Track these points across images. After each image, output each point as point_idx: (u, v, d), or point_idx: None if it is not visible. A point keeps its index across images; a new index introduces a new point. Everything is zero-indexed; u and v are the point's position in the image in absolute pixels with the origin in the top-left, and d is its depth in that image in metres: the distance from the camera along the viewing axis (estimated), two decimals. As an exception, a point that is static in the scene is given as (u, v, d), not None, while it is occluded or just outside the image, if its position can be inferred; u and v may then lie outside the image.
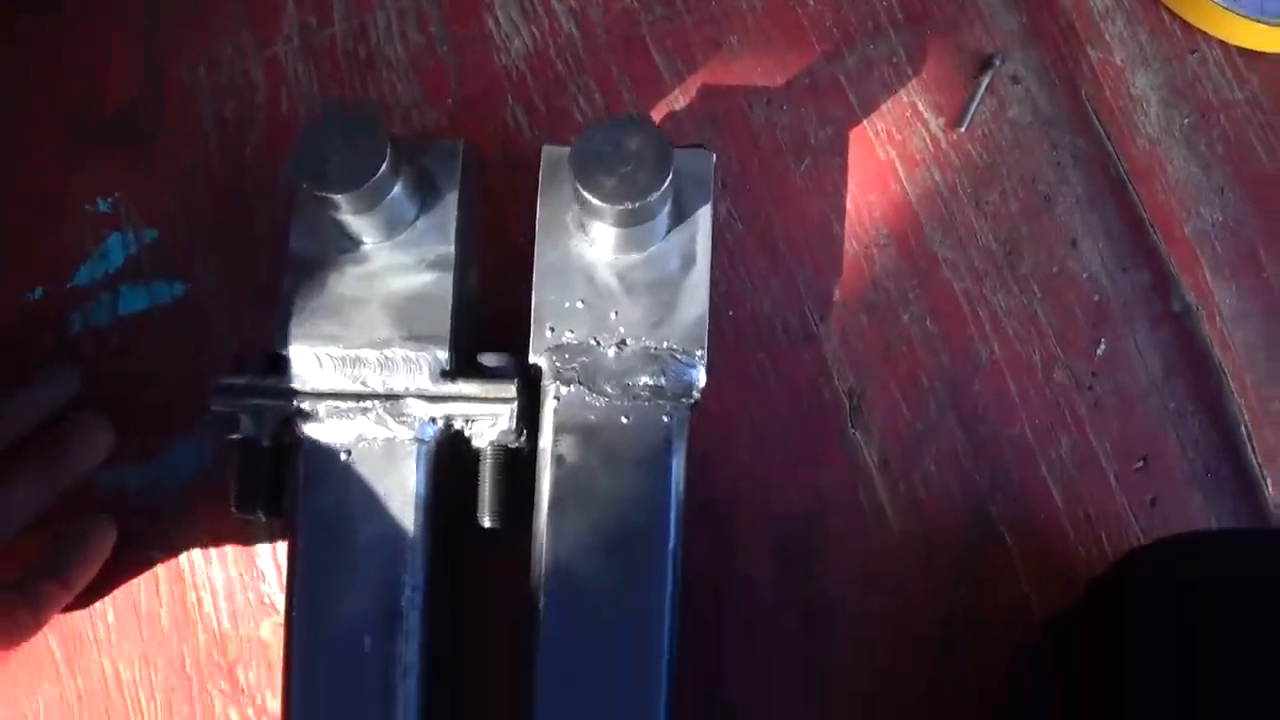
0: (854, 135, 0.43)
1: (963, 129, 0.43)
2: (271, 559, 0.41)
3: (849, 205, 0.43)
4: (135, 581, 0.41)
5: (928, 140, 0.43)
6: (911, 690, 0.39)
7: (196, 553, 0.41)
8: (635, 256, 0.37)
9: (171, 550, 0.41)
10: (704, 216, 0.38)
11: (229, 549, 0.41)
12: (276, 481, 0.38)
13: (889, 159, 0.43)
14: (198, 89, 0.44)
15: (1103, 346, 0.42)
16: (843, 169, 0.43)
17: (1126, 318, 0.42)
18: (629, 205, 0.34)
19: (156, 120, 0.43)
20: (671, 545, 0.36)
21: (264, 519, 0.38)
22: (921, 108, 0.43)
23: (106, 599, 0.41)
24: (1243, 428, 0.42)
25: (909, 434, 0.41)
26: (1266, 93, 0.45)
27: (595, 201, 0.34)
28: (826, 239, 0.42)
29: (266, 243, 0.42)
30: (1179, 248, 0.43)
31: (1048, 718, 0.34)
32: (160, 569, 0.41)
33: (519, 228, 0.40)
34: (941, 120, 0.43)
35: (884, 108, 0.43)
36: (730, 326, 0.42)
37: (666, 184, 0.34)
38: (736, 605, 0.40)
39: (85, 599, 0.41)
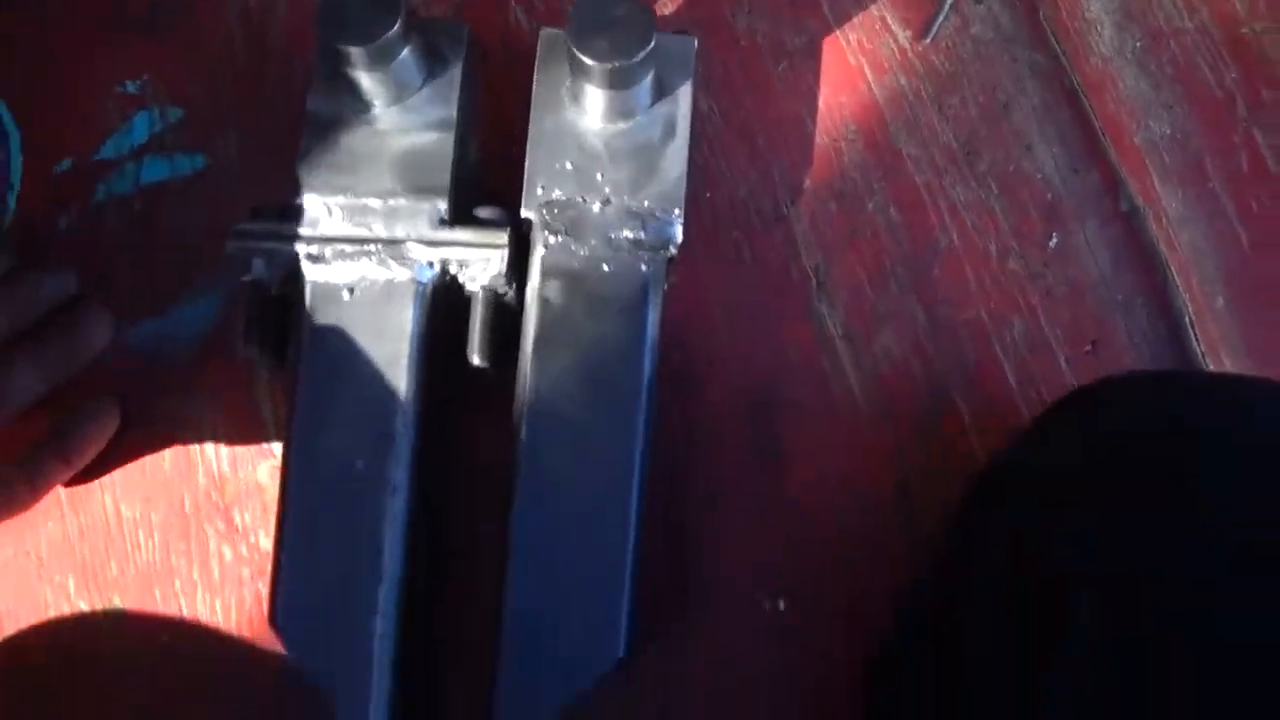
0: (827, 43, 0.48)
1: (928, 41, 0.48)
2: (272, 408, 0.44)
3: (821, 105, 0.47)
4: (142, 430, 0.45)
5: (895, 50, 0.48)
6: (867, 539, 0.43)
7: (203, 402, 0.45)
8: (621, 125, 0.42)
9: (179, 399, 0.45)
10: (684, 93, 0.42)
11: (233, 398, 0.45)
12: (282, 329, 0.42)
13: (859, 65, 0.48)
14: (225, -15, 0.49)
15: (1054, 240, 0.46)
16: (816, 73, 0.48)
17: (1077, 215, 0.47)
18: (617, 64, 0.38)
19: (186, 11, 0.48)
20: (646, 379, 0.40)
21: (267, 363, 0.42)
22: (890, 21, 0.48)
23: (113, 444, 0.44)
24: (1187, 319, 0.46)
25: (871, 311, 0.45)
26: (1215, 24, 0.50)
27: (588, 61, 0.38)
28: (799, 134, 0.47)
29: (284, 121, 0.46)
30: (1128, 155, 0.47)
31: (971, 572, 0.36)
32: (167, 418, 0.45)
33: (516, 112, 0.44)
34: (909, 33, 0.48)
35: (855, 20, 0.48)
36: (708, 209, 0.46)
37: (650, 46, 0.38)
38: (707, 456, 0.43)
39: (89, 475, 0.44)
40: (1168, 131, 0.48)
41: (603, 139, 0.42)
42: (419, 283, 0.41)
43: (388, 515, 0.39)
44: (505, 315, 0.42)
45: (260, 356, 0.41)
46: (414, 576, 0.40)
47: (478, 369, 0.41)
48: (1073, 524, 0.32)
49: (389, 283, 0.41)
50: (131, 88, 0.48)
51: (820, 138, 0.47)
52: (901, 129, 0.47)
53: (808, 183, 0.46)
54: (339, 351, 0.40)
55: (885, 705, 0.37)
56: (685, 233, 0.41)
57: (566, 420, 0.40)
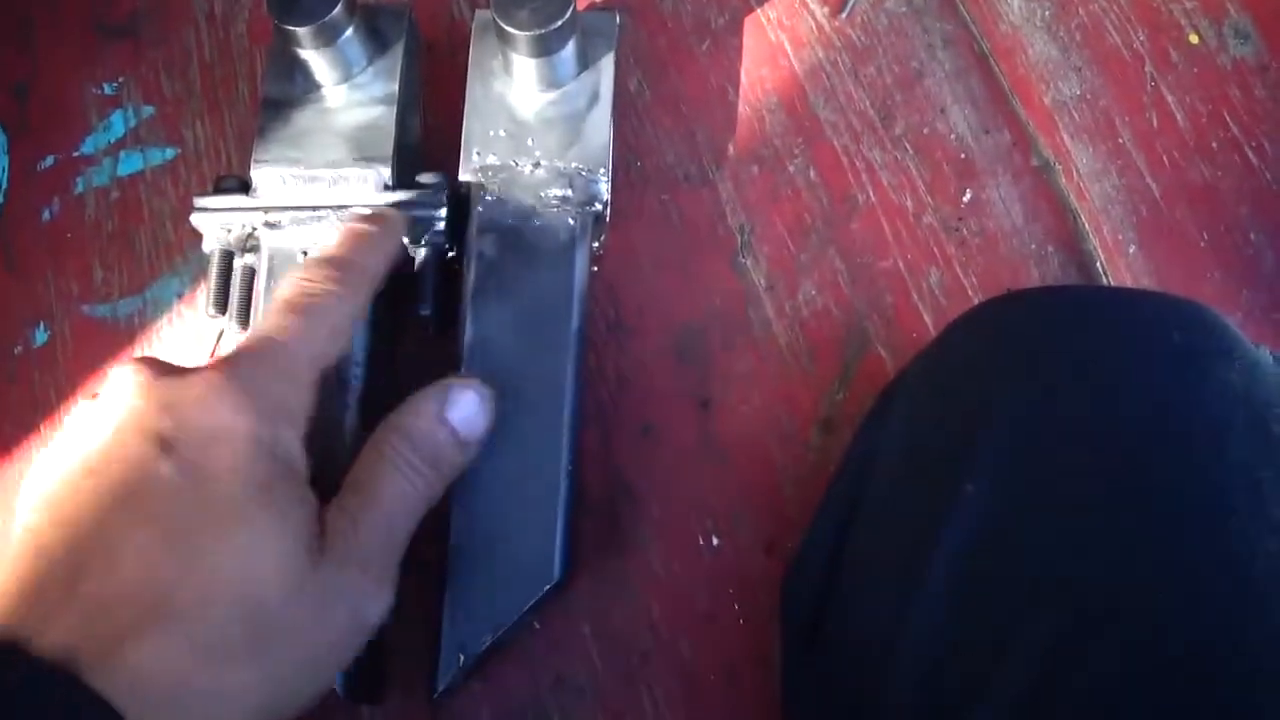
0: (749, 21, 0.57)
1: (844, 16, 0.57)
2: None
3: (743, 78, 0.56)
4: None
5: (813, 26, 0.57)
6: (793, 476, 0.51)
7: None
8: (550, 95, 0.51)
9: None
10: (608, 64, 0.52)
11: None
12: (246, 293, 0.51)
13: (779, 41, 0.57)
14: (193, -7, 0.59)
15: (968, 195, 0.55)
16: (738, 49, 0.57)
17: (990, 171, 0.55)
18: (538, 31, 0.48)
19: (159, 19, 0.59)
20: (575, 322, 0.48)
21: (234, 325, 0.51)
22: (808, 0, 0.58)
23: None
24: (1099, 264, 0.54)
25: (793, 263, 0.54)
26: (1122, -7, 0.59)
27: (511, 30, 0.48)
28: (723, 105, 0.56)
29: (246, 114, 0.56)
30: (1038, 115, 0.56)
31: (873, 453, 0.43)
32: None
33: (456, 94, 0.53)
34: (826, 10, 0.58)
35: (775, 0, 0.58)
36: (638, 174, 0.55)
37: (568, 14, 0.48)
38: (639, 400, 0.52)
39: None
40: (1077, 92, 0.57)
41: (533, 108, 0.51)
42: (366, 242, 0.50)
43: (341, 460, 0.47)
44: (447, 270, 0.50)
45: (227, 320, 0.50)
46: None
47: (421, 320, 0.50)
48: (961, 404, 0.40)
49: (339, 243, 0.50)
50: (109, 89, 0.58)
51: (743, 108, 0.56)
52: (820, 98, 0.56)
53: (732, 149, 0.55)
54: (294, 306, 0.49)
55: (795, 607, 0.44)
56: (610, 191, 0.50)
57: (503, 361, 0.48)
